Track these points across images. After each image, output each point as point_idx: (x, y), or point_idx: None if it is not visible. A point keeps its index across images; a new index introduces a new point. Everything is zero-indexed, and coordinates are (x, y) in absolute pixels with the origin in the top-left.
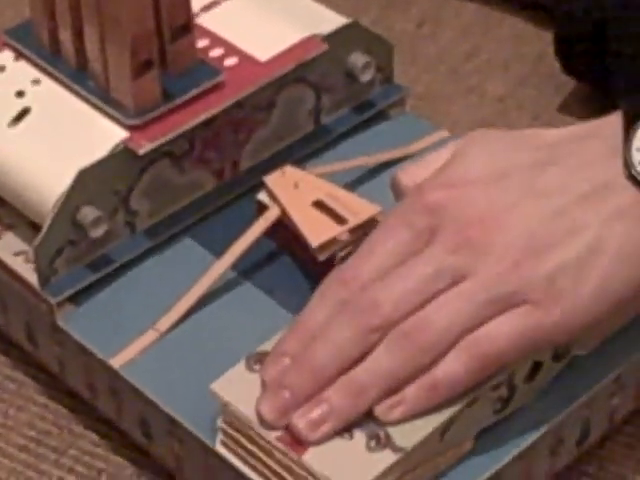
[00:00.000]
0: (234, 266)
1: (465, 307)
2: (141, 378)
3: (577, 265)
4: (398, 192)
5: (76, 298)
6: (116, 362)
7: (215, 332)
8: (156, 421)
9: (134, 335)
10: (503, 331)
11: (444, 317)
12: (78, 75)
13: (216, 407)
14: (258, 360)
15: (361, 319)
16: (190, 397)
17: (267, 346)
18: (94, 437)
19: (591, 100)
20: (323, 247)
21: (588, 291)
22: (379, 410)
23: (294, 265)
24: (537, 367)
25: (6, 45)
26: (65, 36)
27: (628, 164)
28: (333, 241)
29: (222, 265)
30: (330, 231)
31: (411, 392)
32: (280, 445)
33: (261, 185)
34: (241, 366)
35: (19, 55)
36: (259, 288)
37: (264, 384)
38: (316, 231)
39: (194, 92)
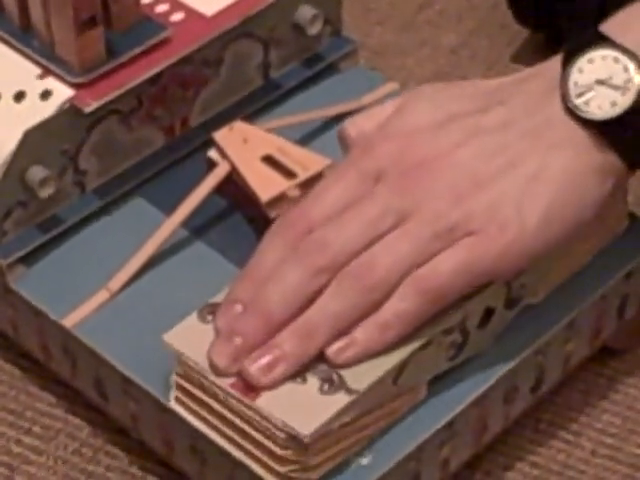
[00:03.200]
0: (185, 224)
1: (410, 244)
2: (94, 338)
3: (519, 194)
4: (345, 143)
5: (27, 259)
6: (68, 322)
7: (167, 290)
8: (110, 381)
9: (86, 295)
10: (449, 263)
11: (390, 255)
12: (22, 34)
13: (169, 365)
14: (211, 311)
15: (309, 260)
16: (143, 356)
17: (219, 298)
18: (50, 398)
19: (544, 50)
20: (273, 202)
21: (531, 219)
22: (330, 352)
23: (245, 222)
24: (490, 314)
25: None
26: None
27: (565, 98)
28: (283, 196)
29: (172, 223)
30: (280, 186)
31: (361, 332)
32: (233, 391)
33: (211, 142)
34: (194, 317)
35: None
36: (210, 246)
37: (216, 332)
38: (265, 186)
39: (140, 49)
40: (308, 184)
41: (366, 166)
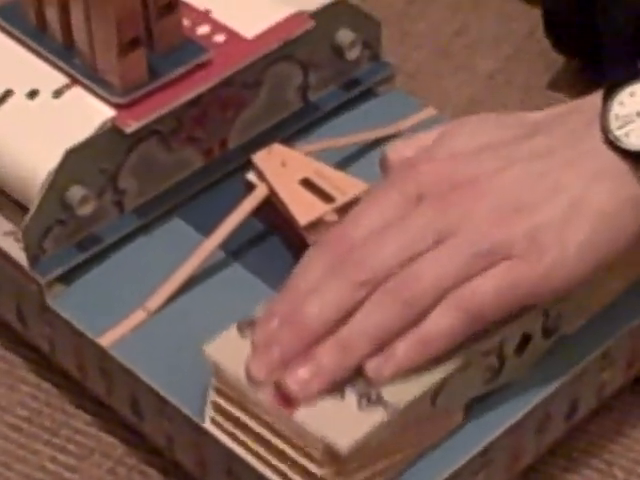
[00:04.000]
0: (222, 246)
1: (451, 262)
2: (130, 357)
3: (560, 222)
4: (386, 168)
5: (65, 278)
6: (105, 341)
7: (203, 311)
8: (146, 400)
9: (123, 314)
10: (490, 284)
11: (430, 272)
12: (65, 53)
13: (205, 385)
14: (250, 325)
15: (348, 275)
16: (179, 376)
17: (259, 312)
18: (86, 416)
19: (581, 77)
20: (311, 226)
21: (571, 247)
22: (370, 367)
23: (282, 245)
24: (527, 340)
25: None
26: (51, 14)
27: (605, 129)
28: (321, 220)
29: (210, 244)
30: (318, 209)
31: (400, 347)
32: (270, 404)
33: (249, 164)
34: (233, 330)
35: (6, 33)
36: (247, 268)
37: (254, 345)
38: (304, 210)
39: (181, 70)
40: (346, 208)
41: (407, 187)
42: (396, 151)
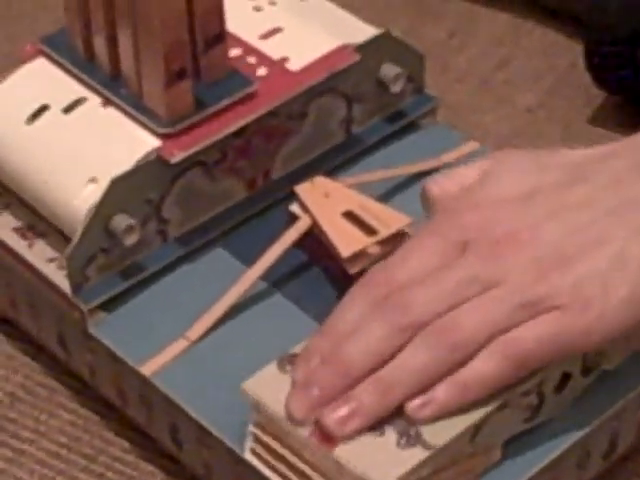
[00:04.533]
0: (264, 276)
1: (495, 310)
2: (171, 386)
3: (605, 274)
4: (427, 202)
5: (108, 305)
6: (147, 370)
7: (245, 341)
8: (186, 429)
9: (165, 343)
10: (534, 333)
11: (474, 318)
12: (112, 83)
13: (246, 415)
14: (290, 361)
15: (392, 317)
16: (219, 405)
17: (299, 348)
18: (124, 444)
19: (622, 112)
20: (353, 258)
21: (616, 299)
22: (410, 408)
23: (324, 276)
24: (566, 378)
25: (42, 52)
26: (99, 44)
27: None
28: (363, 252)
29: (252, 275)
30: (360, 242)
31: (441, 391)
32: (309, 441)
33: (292, 195)
34: (273, 366)
35: (54, 62)
36: (289, 298)
37: (294, 383)
38: (346, 242)
39: (226, 101)
40: (388, 241)
41: (452, 235)
42: (438, 185)
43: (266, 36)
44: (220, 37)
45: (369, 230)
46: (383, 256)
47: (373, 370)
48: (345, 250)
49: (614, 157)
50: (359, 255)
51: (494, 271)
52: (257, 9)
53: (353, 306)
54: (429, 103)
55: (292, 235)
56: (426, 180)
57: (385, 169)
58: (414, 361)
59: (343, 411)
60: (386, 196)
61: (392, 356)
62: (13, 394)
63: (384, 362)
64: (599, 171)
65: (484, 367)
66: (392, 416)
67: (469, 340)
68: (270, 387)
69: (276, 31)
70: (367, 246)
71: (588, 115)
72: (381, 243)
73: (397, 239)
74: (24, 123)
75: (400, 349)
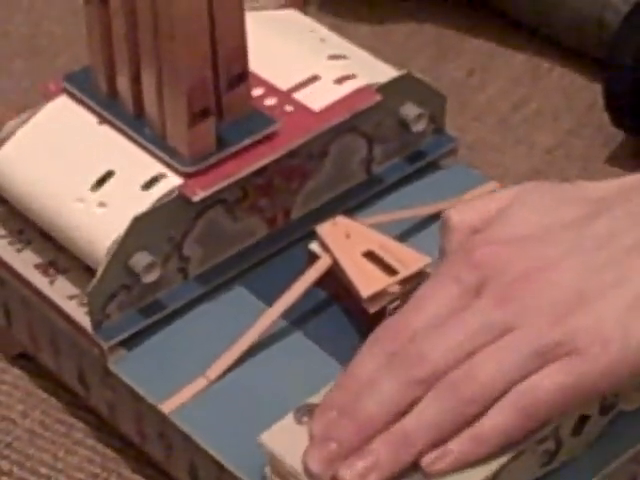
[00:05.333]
0: (284, 314)
1: (511, 359)
2: (190, 424)
3: (624, 315)
4: (446, 228)
5: (128, 343)
6: (166, 407)
7: (264, 380)
8: (204, 467)
9: (184, 381)
10: (550, 383)
11: (490, 369)
12: (135, 121)
13: (264, 455)
14: (307, 412)
15: (408, 371)
16: (239, 445)
17: (316, 398)
18: None
19: None
20: (373, 298)
21: (634, 342)
22: (425, 462)
23: (344, 315)
24: (584, 420)
25: (65, 90)
26: (123, 82)
27: None
28: (383, 292)
29: (273, 314)
30: (380, 282)
31: (457, 444)
32: None
33: (312, 233)
34: (290, 418)
35: (77, 100)
36: (309, 337)
37: (312, 437)
38: (367, 282)
39: (248, 141)
40: (408, 281)
41: (467, 276)
42: (458, 214)
43: (289, 76)
44: (243, 76)
45: (389, 270)
46: (403, 295)
47: (390, 423)
48: (365, 290)
49: (632, 191)
50: (379, 295)
51: (509, 315)
52: (278, 49)
53: (369, 357)
54: (449, 143)
55: (312, 274)
56: (446, 210)
57: (405, 209)
58: (430, 415)
59: (360, 466)
60: (406, 235)
61: (409, 408)
62: (32, 430)
63: (401, 415)
64: (619, 204)
65: (500, 420)
66: (408, 469)
67: (485, 393)
68: (287, 439)
69: (299, 71)
70: (387, 286)
71: (606, 155)
72: (401, 283)
73: (417, 278)
74: (49, 160)
75: (416, 401)
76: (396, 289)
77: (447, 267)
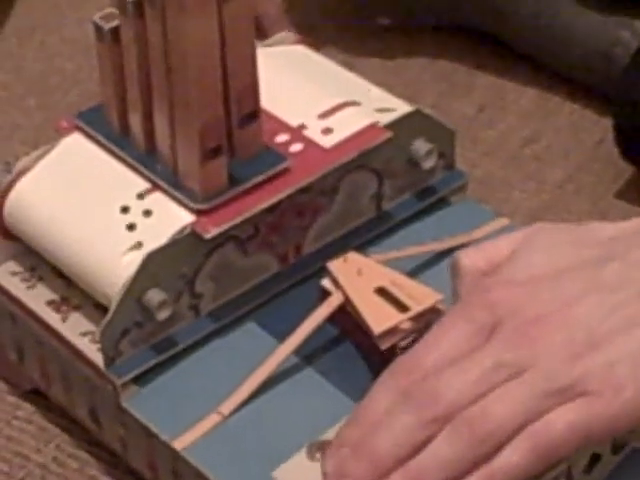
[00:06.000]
0: (296, 351)
1: (525, 398)
2: (203, 461)
3: (635, 357)
4: (456, 273)
5: (140, 379)
6: (179, 444)
7: (277, 417)
8: None
9: (197, 418)
10: (563, 422)
11: (503, 407)
12: (147, 158)
13: None
14: (319, 449)
15: (421, 410)
16: None
17: (329, 435)
18: None
19: None
20: (385, 335)
21: None
22: None
23: (356, 351)
24: (596, 459)
25: (77, 127)
26: (135, 120)
27: None
28: (395, 329)
29: (285, 350)
30: (392, 319)
31: None
32: None
33: (324, 269)
34: (302, 454)
35: (89, 138)
36: (321, 374)
37: (325, 474)
38: (378, 318)
39: (260, 178)
40: (420, 317)
41: (480, 316)
42: (468, 257)
43: (299, 112)
44: (255, 114)
45: (401, 306)
46: (414, 332)
47: (403, 460)
48: (377, 327)
49: None
50: (391, 331)
51: (523, 356)
52: (289, 85)
53: (382, 394)
54: (460, 180)
55: (324, 311)
56: (455, 253)
57: (415, 245)
58: (443, 453)
59: None
60: (416, 272)
61: (422, 446)
62: (44, 466)
63: (414, 452)
64: (631, 247)
65: (513, 459)
66: None
67: (498, 432)
68: (300, 476)
69: (309, 109)
70: (399, 322)
71: (616, 190)
72: (413, 319)
73: (429, 315)
74: (62, 198)
75: (430, 439)
76: (408, 325)
77: (461, 307)
